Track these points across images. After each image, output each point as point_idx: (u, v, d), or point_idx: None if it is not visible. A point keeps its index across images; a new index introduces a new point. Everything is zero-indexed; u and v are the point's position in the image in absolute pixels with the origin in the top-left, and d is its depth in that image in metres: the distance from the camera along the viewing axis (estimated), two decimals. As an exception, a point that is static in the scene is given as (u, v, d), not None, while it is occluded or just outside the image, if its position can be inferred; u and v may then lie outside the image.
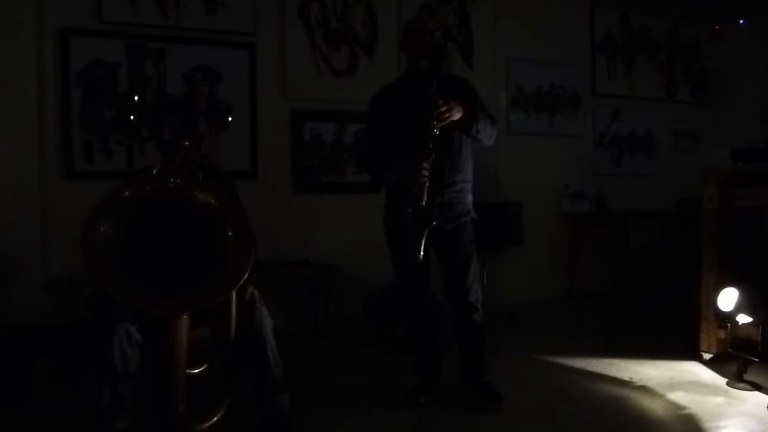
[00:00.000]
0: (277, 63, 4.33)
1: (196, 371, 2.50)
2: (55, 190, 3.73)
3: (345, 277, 4.30)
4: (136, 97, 3.88)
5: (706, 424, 2.67)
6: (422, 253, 2.56)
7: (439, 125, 2.58)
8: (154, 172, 2.13)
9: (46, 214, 3.71)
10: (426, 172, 2.56)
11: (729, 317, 3.24)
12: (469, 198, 2.91)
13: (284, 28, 4.34)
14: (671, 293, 5.04)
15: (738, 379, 3.13)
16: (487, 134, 2.83)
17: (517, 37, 5.17)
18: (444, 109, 2.58)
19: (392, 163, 2.73)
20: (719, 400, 2.96)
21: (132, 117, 3.86)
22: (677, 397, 2.99)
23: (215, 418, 2.32)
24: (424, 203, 2.55)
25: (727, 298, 3.26)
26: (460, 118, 2.66)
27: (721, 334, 3.37)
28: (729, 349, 3.26)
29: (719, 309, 3.28)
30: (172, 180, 2.08)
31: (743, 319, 3.22)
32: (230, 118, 4.16)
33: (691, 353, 3.54)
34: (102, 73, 3.82)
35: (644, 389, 3.11)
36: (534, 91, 5.30)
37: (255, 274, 2.21)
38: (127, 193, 2.01)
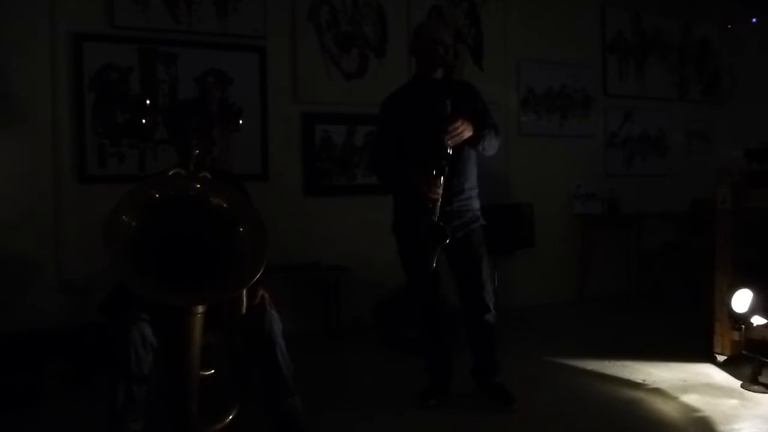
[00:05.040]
0: (288, 66, 4.35)
1: (206, 374, 2.51)
2: (69, 194, 3.76)
3: (356, 279, 4.31)
4: (148, 101, 3.91)
5: (720, 427, 2.65)
6: (435, 265, 2.69)
7: (452, 144, 2.66)
8: (170, 174, 2.18)
9: (61, 218, 3.75)
10: (440, 190, 2.64)
11: (743, 319, 3.22)
12: (477, 204, 2.94)
13: (295, 32, 4.36)
14: (684, 295, 5.00)
15: (752, 381, 3.10)
16: (492, 146, 2.89)
17: (527, 38, 5.16)
18: (458, 131, 2.65)
19: (403, 173, 2.77)
20: (733, 402, 2.93)
21: (144, 120, 3.89)
22: (691, 399, 2.97)
23: (227, 420, 2.33)
24: (436, 218, 2.63)
25: (741, 300, 3.24)
26: (470, 135, 2.73)
27: (735, 336, 3.33)
28: (743, 351, 3.23)
29: (733, 311, 3.25)
30: (194, 184, 2.15)
31: (757, 320, 3.20)
32: (241, 121, 4.18)
33: (705, 355, 3.50)
34: (115, 78, 3.86)
35: (657, 391, 3.09)
36: (545, 92, 5.28)
37: (265, 276, 2.22)
38: (153, 192, 2.07)
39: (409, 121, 2.82)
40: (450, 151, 2.66)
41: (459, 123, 2.66)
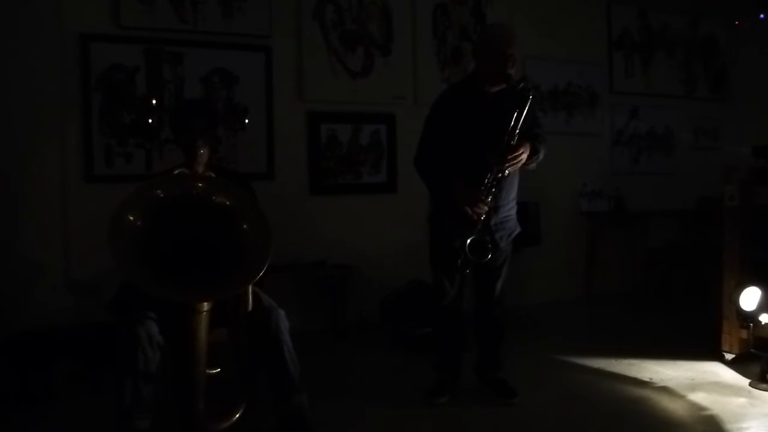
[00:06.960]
0: (293, 65, 4.35)
1: (213, 372, 2.52)
2: (76, 194, 3.78)
3: (362, 278, 4.31)
4: (154, 101, 3.92)
5: (728, 426, 2.64)
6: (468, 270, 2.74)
7: (511, 171, 2.69)
8: (175, 173, 2.19)
9: (68, 217, 3.76)
10: (486, 208, 2.65)
11: (751, 317, 3.20)
12: (515, 211, 2.96)
13: (300, 31, 4.36)
14: (691, 293, 4.98)
15: (761, 379, 3.09)
16: (539, 162, 2.88)
17: (533, 35, 5.12)
18: (518, 159, 2.66)
19: (448, 185, 2.74)
20: (742, 401, 2.92)
21: (150, 120, 3.90)
22: (699, 397, 2.96)
23: (234, 418, 2.34)
24: (479, 235, 2.65)
25: (749, 298, 3.22)
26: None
27: (744, 334, 3.32)
28: (751, 350, 3.22)
29: (741, 309, 3.24)
30: (198, 183, 2.18)
31: (766, 318, 3.17)
32: (247, 121, 4.19)
33: (713, 353, 3.49)
34: (121, 78, 3.87)
35: (665, 390, 3.08)
36: (551, 89, 5.27)
37: (270, 273, 2.23)
38: (158, 191, 2.09)
39: (462, 129, 2.77)
40: (505, 175, 2.67)
41: (520, 152, 2.65)
